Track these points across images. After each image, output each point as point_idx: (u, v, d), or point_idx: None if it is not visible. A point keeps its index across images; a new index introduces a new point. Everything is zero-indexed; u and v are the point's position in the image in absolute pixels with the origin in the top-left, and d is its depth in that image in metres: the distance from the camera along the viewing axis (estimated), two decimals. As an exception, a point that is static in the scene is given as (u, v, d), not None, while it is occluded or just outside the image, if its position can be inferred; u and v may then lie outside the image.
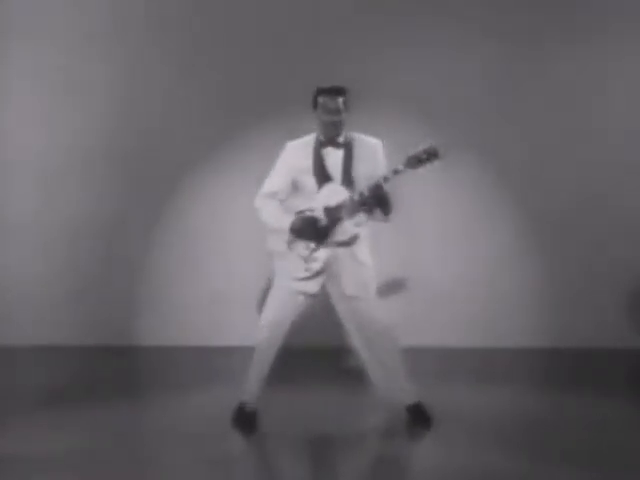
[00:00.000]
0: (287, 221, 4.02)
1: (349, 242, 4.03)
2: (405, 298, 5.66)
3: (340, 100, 3.98)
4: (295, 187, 4.11)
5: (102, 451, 3.79)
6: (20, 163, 6.16)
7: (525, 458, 3.69)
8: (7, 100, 6.17)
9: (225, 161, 6.12)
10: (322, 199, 4.00)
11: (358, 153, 4.05)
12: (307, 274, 4.01)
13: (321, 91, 4.01)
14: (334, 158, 4.04)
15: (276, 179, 4.11)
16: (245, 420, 4.14)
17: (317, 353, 5.14)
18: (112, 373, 5.38)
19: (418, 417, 4.12)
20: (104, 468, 3.58)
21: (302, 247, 4.02)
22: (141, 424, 4.27)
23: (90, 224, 6.12)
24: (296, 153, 4.09)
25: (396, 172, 3.89)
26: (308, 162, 4.05)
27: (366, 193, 3.90)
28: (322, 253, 4.01)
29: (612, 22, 6.02)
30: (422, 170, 3.89)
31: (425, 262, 6.02)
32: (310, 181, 4.04)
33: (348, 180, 4.01)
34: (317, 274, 4.03)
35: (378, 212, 4.01)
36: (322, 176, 4.03)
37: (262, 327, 4.13)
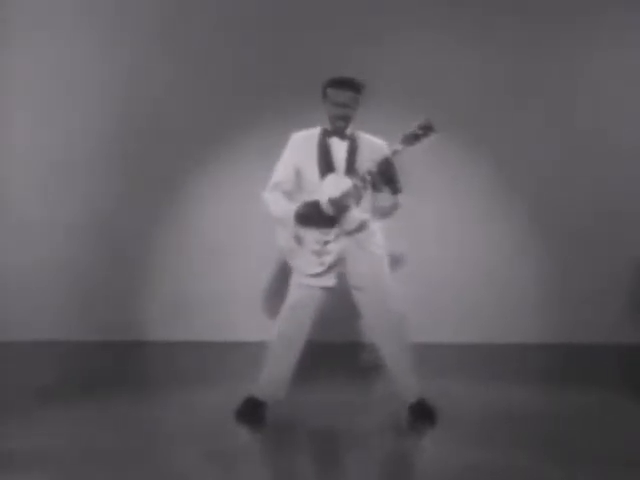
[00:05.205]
0: (293, 209, 3.97)
1: (359, 229, 3.99)
2: (406, 296, 5.66)
3: (349, 94, 3.94)
4: (299, 178, 4.07)
5: (103, 447, 3.79)
6: (20, 163, 6.16)
7: (528, 455, 3.70)
8: (7, 101, 6.16)
9: (227, 160, 6.13)
10: (326, 190, 3.95)
11: (363, 150, 4.02)
12: (321, 268, 3.96)
13: (330, 82, 3.97)
14: (339, 149, 4.02)
15: (282, 170, 4.09)
16: (252, 414, 4.12)
17: (328, 348, 5.12)
18: (114, 369, 5.38)
19: (422, 414, 4.12)
20: (105, 464, 3.58)
21: (313, 241, 3.98)
22: (143, 420, 4.25)
23: (91, 222, 6.13)
24: (300, 144, 4.07)
25: (395, 152, 3.86)
26: (312, 152, 4.02)
27: (374, 169, 3.86)
28: (334, 245, 3.96)
29: (612, 22, 6.07)
30: (420, 145, 3.84)
31: (427, 261, 6.04)
32: (314, 171, 4.01)
33: (352, 171, 3.97)
34: (331, 267, 3.98)
35: (386, 195, 3.95)
36: (326, 165, 4.00)
37: (279, 324, 4.09)
